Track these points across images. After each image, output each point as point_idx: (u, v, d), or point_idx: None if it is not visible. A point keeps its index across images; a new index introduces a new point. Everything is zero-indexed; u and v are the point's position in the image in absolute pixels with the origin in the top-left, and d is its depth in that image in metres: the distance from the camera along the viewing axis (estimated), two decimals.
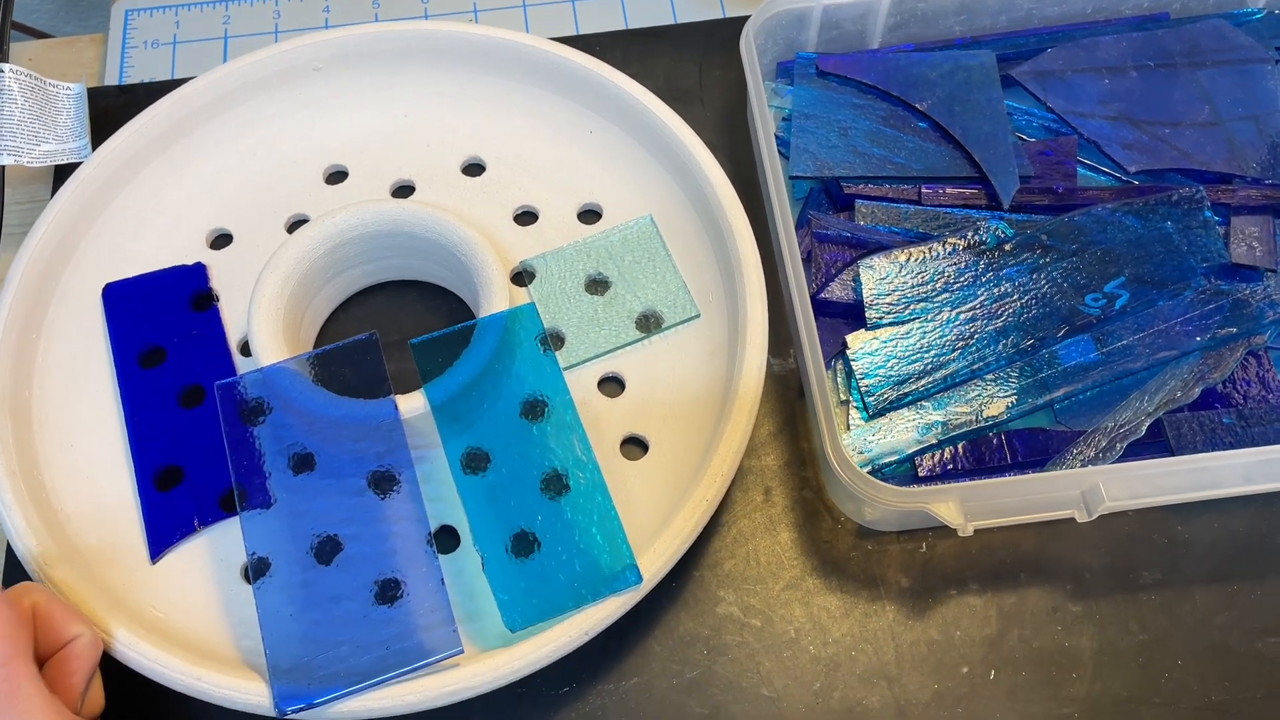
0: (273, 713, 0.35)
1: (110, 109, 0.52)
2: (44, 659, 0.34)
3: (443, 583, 0.37)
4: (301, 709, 0.35)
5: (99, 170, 0.46)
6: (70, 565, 0.39)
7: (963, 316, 0.45)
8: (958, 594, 0.42)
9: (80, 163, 0.47)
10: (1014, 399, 0.43)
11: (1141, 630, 0.41)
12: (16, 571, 0.41)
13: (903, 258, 0.45)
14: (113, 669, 0.37)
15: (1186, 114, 0.50)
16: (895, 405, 0.43)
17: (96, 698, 0.36)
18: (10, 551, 0.43)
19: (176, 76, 0.55)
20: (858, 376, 0.44)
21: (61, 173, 0.52)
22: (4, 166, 0.46)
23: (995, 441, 0.43)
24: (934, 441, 0.43)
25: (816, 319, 0.42)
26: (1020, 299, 0.45)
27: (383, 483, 0.40)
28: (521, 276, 0.47)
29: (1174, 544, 0.43)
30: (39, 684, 0.31)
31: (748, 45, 0.48)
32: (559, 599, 0.37)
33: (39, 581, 0.38)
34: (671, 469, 0.42)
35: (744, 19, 0.51)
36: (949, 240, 0.46)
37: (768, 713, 0.40)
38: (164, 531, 0.41)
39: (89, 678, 0.35)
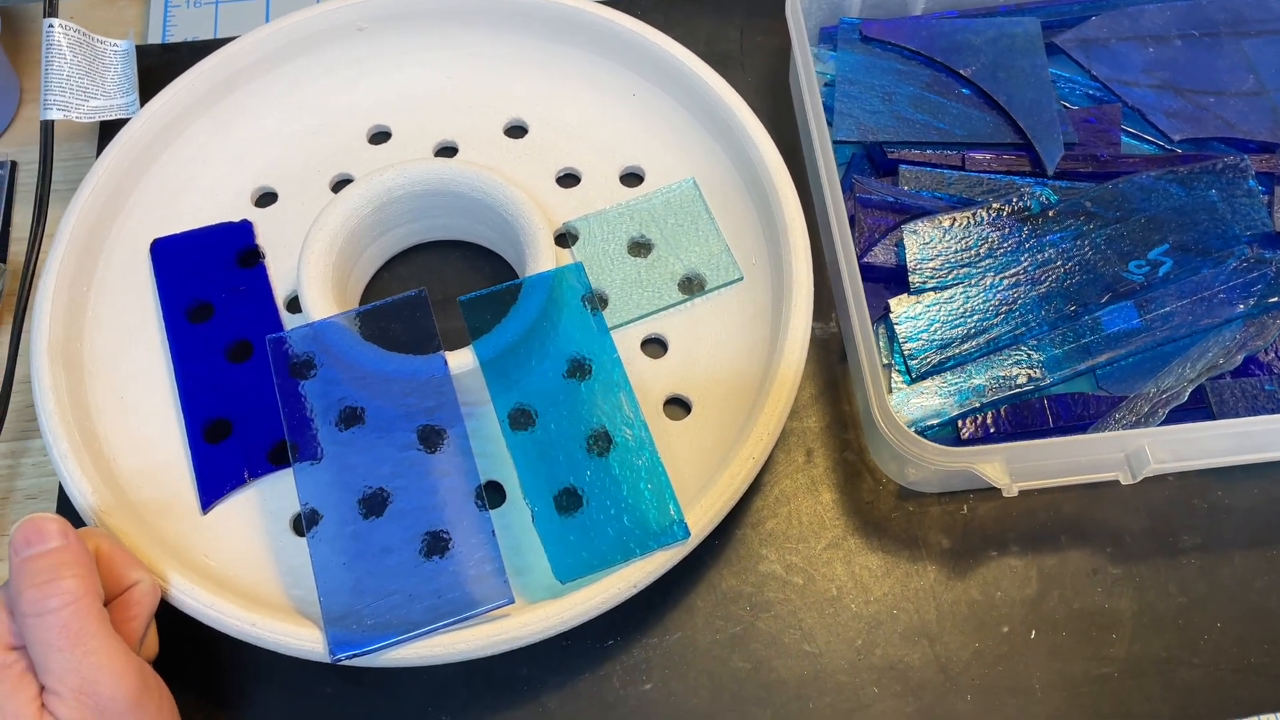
0: (326, 659, 0.36)
1: (154, 67, 0.53)
2: (105, 602, 0.34)
3: (493, 534, 0.38)
4: (355, 655, 0.36)
5: (146, 127, 0.47)
6: (124, 514, 0.39)
7: (1006, 282, 0.45)
8: (998, 555, 0.42)
9: (128, 119, 0.47)
10: (1056, 364, 0.43)
11: (1181, 593, 0.41)
12: (71, 521, 0.41)
13: (946, 223, 0.46)
14: (164, 617, 0.37)
15: (1230, 84, 0.50)
16: (938, 369, 0.44)
17: (152, 643, 0.37)
18: (63, 500, 0.43)
19: (219, 36, 0.55)
20: (901, 340, 0.44)
21: (107, 130, 0.52)
22: (53, 122, 0.46)
23: (1037, 406, 0.43)
24: (976, 405, 0.43)
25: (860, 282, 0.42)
26: (1064, 265, 0.45)
27: (431, 438, 0.40)
28: (564, 238, 0.47)
29: (1214, 509, 0.43)
30: (106, 623, 0.32)
31: (793, 10, 0.48)
32: (607, 552, 0.37)
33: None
34: (714, 429, 0.43)
35: None
36: (993, 206, 0.46)
37: (810, 668, 0.40)
38: (214, 483, 0.42)
39: (147, 623, 0.36)
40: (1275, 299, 0.44)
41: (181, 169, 0.48)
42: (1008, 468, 0.39)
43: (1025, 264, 0.45)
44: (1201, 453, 0.40)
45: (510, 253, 0.47)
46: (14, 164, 0.52)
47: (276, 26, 0.49)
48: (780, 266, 0.43)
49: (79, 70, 0.47)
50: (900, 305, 0.45)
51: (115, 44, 0.49)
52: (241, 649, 0.38)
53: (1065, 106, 0.49)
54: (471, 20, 0.51)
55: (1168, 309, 0.44)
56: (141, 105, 0.47)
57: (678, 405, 0.44)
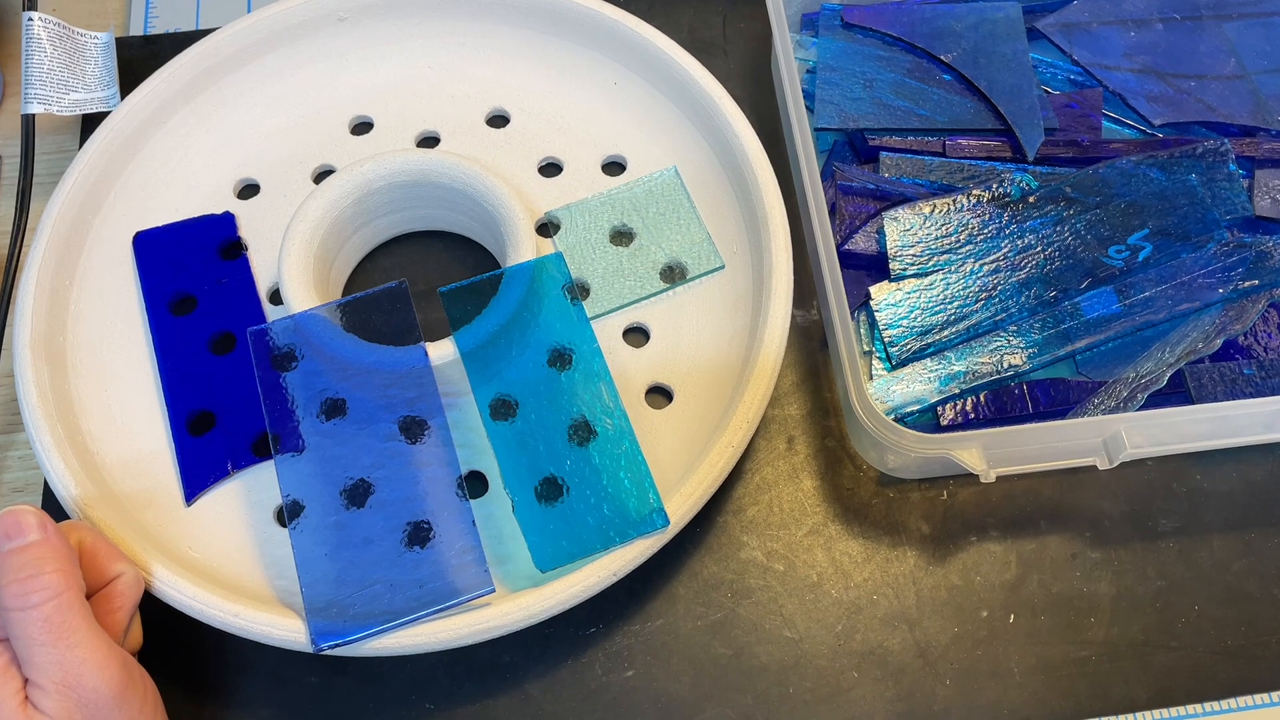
0: (309, 649, 0.36)
1: (135, 59, 0.53)
2: (89, 595, 0.35)
3: (474, 524, 0.38)
4: (337, 645, 0.36)
5: (128, 120, 0.47)
6: (107, 506, 0.39)
7: (986, 268, 0.45)
8: (978, 541, 0.42)
9: (109, 112, 0.47)
10: (1036, 350, 0.44)
11: (1159, 576, 0.42)
12: (56, 513, 0.41)
13: (927, 210, 0.46)
14: (148, 609, 0.38)
15: (1212, 67, 0.50)
16: (918, 356, 0.44)
17: (136, 635, 0.37)
18: (48, 494, 0.44)
19: (201, 27, 0.55)
20: (881, 327, 0.44)
21: (89, 123, 0.52)
22: (34, 115, 0.46)
23: (1017, 391, 0.43)
24: (956, 391, 0.43)
25: (840, 270, 0.42)
26: (1043, 251, 0.45)
27: (413, 429, 0.40)
28: (546, 228, 0.47)
29: (1193, 493, 0.43)
30: (89, 616, 0.32)
31: None
32: (588, 541, 0.38)
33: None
34: (696, 417, 0.43)
35: None
36: (973, 192, 0.46)
37: (790, 653, 0.40)
38: (198, 475, 0.42)
39: (131, 614, 0.36)
40: (1254, 283, 0.44)
41: (163, 161, 0.48)
42: (985, 454, 0.39)
43: (1005, 250, 0.45)
44: (1179, 437, 0.40)
45: (492, 243, 0.47)
46: None
47: (258, 17, 0.49)
48: (761, 254, 0.43)
49: (59, 63, 0.47)
50: (881, 292, 0.45)
51: (96, 36, 0.49)
52: (225, 640, 0.38)
53: (1046, 91, 0.49)
54: (453, 10, 0.51)
55: (1147, 294, 0.44)
56: (123, 98, 0.47)
57: (659, 394, 0.44)
